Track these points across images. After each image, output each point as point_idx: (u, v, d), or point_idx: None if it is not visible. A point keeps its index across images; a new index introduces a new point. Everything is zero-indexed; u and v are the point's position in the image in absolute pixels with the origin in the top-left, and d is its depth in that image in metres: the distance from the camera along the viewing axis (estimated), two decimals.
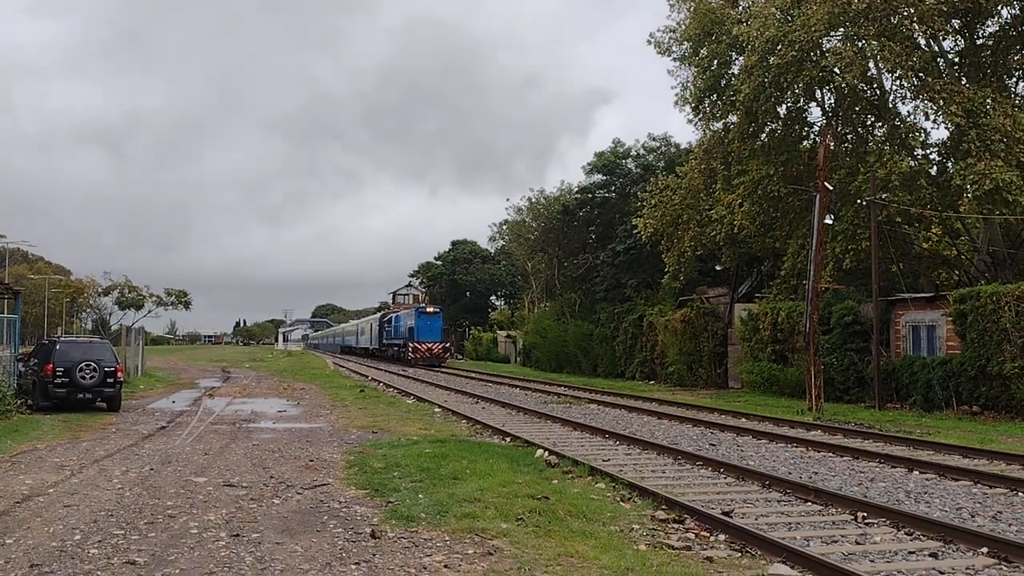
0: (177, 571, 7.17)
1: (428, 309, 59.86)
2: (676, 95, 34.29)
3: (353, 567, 7.30)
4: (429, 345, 56.47)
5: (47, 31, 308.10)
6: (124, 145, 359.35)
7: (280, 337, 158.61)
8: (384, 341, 68.23)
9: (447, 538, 8.27)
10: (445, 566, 7.34)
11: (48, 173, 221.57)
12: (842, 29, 26.69)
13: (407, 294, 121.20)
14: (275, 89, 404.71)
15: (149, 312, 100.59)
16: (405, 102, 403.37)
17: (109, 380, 21.06)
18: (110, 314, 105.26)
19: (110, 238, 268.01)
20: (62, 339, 24.42)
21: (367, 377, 40.88)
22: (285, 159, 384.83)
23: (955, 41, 28.68)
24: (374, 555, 7.68)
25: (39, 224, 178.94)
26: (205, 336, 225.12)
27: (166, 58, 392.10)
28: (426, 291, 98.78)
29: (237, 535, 8.39)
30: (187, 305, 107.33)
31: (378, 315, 79.50)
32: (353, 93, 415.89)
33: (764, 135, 30.66)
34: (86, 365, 20.70)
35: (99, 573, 7.11)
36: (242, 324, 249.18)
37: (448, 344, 61.36)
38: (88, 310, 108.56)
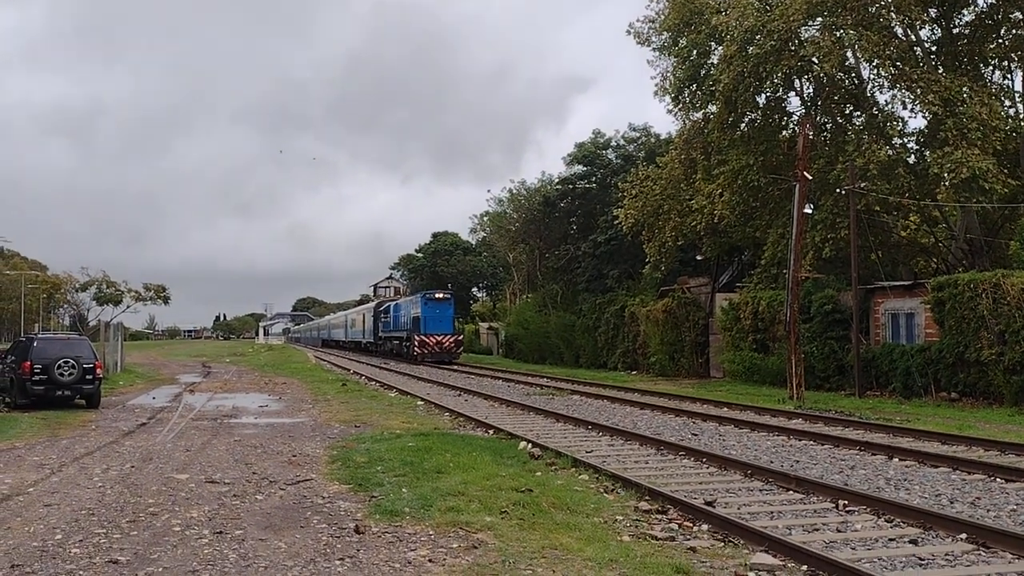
0: (160, 570, 7.12)
1: (437, 295, 51.61)
2: (656, 85, 34.54)
3: (337, 563, 7.28)
4: (439, 338, 48.59)
5: (5, 19, 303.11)
6: (89, 136, 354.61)
7: (261, 331, 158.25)
8: (381, 334, 61.47)
9: (431, 532, 8.27)
10: (430, 560, 7.33)
11: (11, 163, 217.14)
12: (820, 18, 26.82)
13: (388, 286, 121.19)
14: (244, 78, 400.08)
15: (128, 307, 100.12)
16: (376, 91, 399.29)
17: (88, 377, 20.82)
18: (88, 309, 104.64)
19: (81, 230, 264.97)
20: (40, 336, 24.12)
21: (349, 371, 40.79)
22: (256, 149, 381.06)
23: (932, 30, 28.95)
24: (358, 550, 7.66)
25: (5, 216, 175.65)
26: (185, 331, 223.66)
27: (129, 47, 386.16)
28: (407, 283, 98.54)
29: (220, 532, 8.34)
30: (166, 300, 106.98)
31: (372, 304, 74.14)
32: (323, 81, 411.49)
33: (743, 125, 30.79)
34: (64, 362, 20.45)
35: (81, 573, 7.05)
36: (222, 318, 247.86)
37: (460, 336, 53.20)
38: (66, 306, 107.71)
